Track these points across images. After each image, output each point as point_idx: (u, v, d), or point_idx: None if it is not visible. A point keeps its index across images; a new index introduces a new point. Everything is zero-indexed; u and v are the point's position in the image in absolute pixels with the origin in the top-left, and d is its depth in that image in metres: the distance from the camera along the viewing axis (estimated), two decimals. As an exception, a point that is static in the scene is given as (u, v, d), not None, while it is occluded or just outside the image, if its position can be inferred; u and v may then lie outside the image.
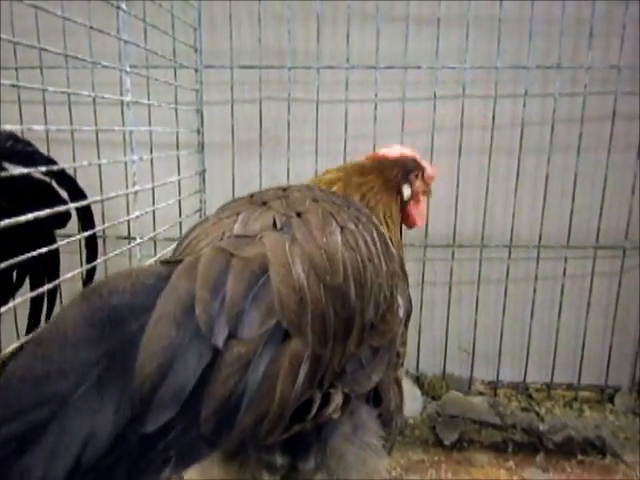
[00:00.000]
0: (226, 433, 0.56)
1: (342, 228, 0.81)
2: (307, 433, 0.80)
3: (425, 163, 1.37)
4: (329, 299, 0.69)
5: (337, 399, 0.76)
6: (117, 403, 0.49)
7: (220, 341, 0.55)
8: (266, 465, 0.85)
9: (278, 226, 0.74)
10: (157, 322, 0.52)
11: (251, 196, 0.91)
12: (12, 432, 0.46)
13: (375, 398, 0.92)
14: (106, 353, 0.50)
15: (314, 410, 0.71)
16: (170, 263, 0.62)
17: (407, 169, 1.31)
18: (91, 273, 1.50)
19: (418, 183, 1.35)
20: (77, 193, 1.45)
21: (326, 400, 0.74)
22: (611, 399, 2.19)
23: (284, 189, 0.93)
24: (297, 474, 0.86)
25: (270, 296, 0.61)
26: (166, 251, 1.75)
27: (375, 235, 0.90)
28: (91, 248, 1.50)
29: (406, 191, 1.30)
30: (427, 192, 1.41)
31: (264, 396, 0.58)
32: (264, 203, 0.83)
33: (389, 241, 1.04)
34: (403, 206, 1.33)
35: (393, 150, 1.37)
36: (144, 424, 0.50)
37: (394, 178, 1.27)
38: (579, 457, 1.87)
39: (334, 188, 1.19)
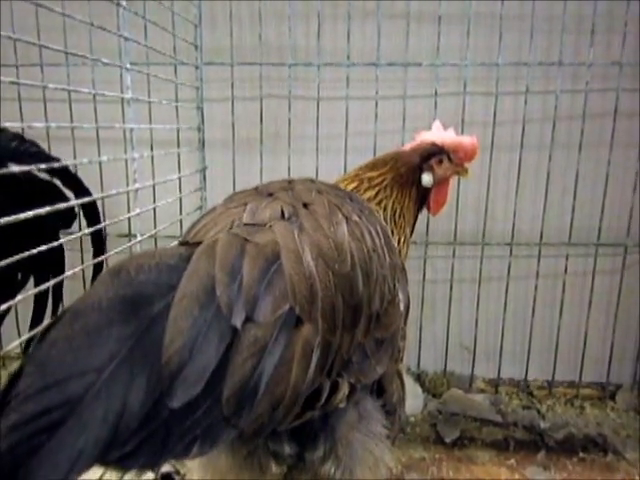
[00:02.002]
0: (246, 415, 0.57)
1: (347, 219, 0.81)
2: (315, 422, 0.81)
3: (456, 141, 1.33)
4: (338, 287, 0.70)
5: (344, 388, 0.77)
6: (147, 377, 0.50)
7: (239, 322, 0.56)
8: (273, 455, 0.86)
9: (286, 216, 0.75)
10: (181, 300, 0.54)
11: (256, 188, 0.91)
12: (53, 402, 0.47)
13: (378, 391, 0.93)
14: (136, 327, 0.52)
15: (324, 398, 0.72)
16: (189, 245, 0.64)
17: (426, 156, 1.30)
18: (98, 270, 1.50)
19: (443, 167, 1.33)
20: (82, 192, 1.44)
21: (334, 389, 0.75)
22: (612, 396, 2.19)
23: (289, 181, 0.94)
24: (304, 464, 0.87)
25: (283, 282, 0.62)
26: (167, 249, 1.74)
27: (378, 227, 0.91)
28: (98, 245, 1.50)
29: (426, 179, 1.29)
30: (460, 172, 1.37)
31: (280, 381, 0.59)
32: (270, 194, 0.84)
33: (390, 234, 1.05)
34: (426, 194, 1.32)
35: (421, 137, 1.33)
36: (172, 399, 0.51)
37: (409, 169, 1.26)
38: (580, 455, 1.87)
39: (351, 186, 1.19)
